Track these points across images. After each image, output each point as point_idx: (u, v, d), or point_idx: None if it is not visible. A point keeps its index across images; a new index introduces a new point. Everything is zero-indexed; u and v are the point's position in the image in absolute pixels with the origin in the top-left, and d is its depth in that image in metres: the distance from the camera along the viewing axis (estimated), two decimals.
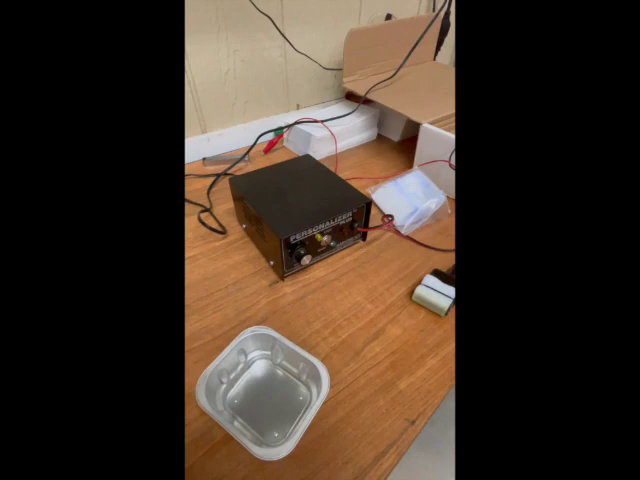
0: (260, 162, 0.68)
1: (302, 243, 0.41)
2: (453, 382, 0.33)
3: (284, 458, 0.27)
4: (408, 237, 0.50)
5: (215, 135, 0.68)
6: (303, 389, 0.33)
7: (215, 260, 0.47)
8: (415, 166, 0.59)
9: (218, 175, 0.62)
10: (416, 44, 0.70)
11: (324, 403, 0.31)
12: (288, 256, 0.41)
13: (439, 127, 0.57)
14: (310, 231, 0.40)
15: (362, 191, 0.47)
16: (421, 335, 0.37)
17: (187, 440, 0.29)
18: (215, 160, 0.67)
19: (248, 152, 0.66)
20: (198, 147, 0.67)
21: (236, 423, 0.29)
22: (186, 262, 0.46)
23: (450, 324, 0.39)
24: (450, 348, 0.36)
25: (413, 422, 0.31)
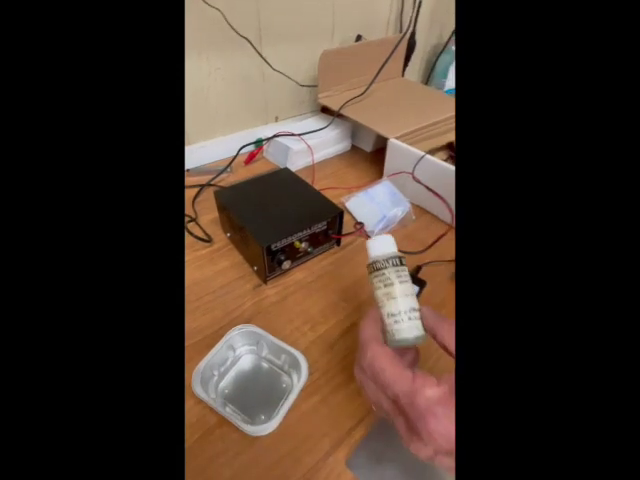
0: (241, 172, 0.72)
1: (282, 250, 0.45)
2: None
3: (270, 434, 0.32)
4: None
5: (198, 147, 0.72)
6: (286, 378, 0.38)
7: (202, 267, 0.51)
8: (384, 177, 0.65)
9: (202, 186, 0.66)
10: (384, 64, 0.76)
11: (304, 388, 0.36)
12: (270, 262, 0.45)
13: (405, 141, 0.64)
14: (289, 239, 0.45)
15: (337, 200, 0.52)
16: None
17: (185, 424, 0.33)
18: (198, 171, 0.70)
19: (230, 163, 0.70)
20: None
21: (227, 409, 0.34)
22: None
23: None
24: None
25: None
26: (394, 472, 0.31)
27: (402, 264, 0.28)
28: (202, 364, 0.35)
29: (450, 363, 0.22)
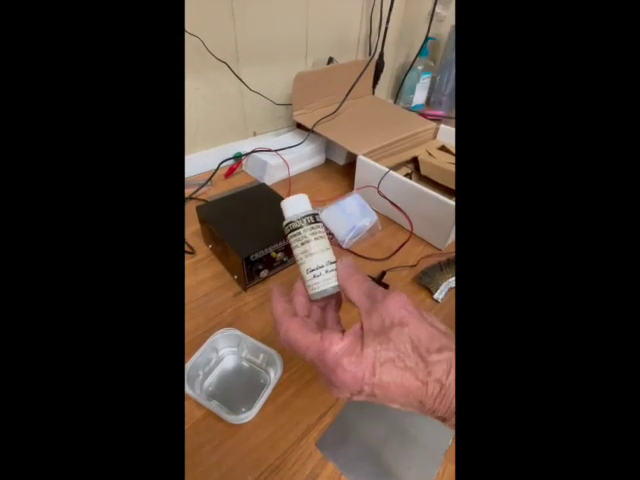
0: (222, 185, 0.77)
1: (260, 260, 0.50)
2: None
3: (249, 422, 0.37)
4: (348, 250, 0.61)
5: None
6: (264, 374, 0.42)
7: (186, 277, 0.55)
8: (354, 190, 0.71)
9: (185, 199, 0.69)
10: (353, 85, 0.83)
11: (280, 383, 0.41)
12: (249, 271, 0.50)
13: (373, 157, 0.70)
14: (267, 250, 0.50)
15: None
16: None
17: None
18: None
19: (211, 177, 0.75)
20: None
21: (212, 403, 0.38)
22: None
23: None
24: None
25: None
26: (356, 449, 0.36)
27: (316, 221, 0.29)
28: (188, 365, 0.39)
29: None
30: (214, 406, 0.37)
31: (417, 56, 1.06)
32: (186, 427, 0.37)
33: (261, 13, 0.72)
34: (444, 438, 0.38)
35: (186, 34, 0.62)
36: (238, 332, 0.43)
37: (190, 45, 0.65)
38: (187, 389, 0.37)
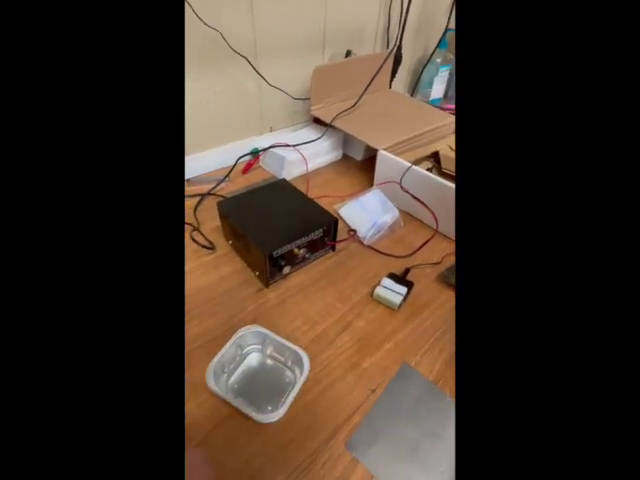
0: (239, 181, 0.76)
1: (282, 256, 0.49)
2: (403, 359, 0.44)
3: (277, 422, 0.36)
4: (370, 246, 0.60)
5: (196, 157, 0.75)
6: (289, 373, 0.42)
7: (207, 273, 0.54)
8: (374, 185, 0.70)
9: (203, 195, 0.69)
10: (372, 79, 0.81)
11: (306, 382, 0.40)
12: (271, 267, 0.49)
13: (393, 151, 0.69)
14: (289, 246, 0.49)
15: (331, 207, 0.57)
16: (380, 326, 0.48)
17: (200, 417, 0.37)
18: (198, 180, 0.74)
19: (229, 173, 0.74)
20: None
21: (238, 400, 0.38)
22: None
23: (402, 316, 0.49)
24: (401, 335, 0.47)
25: (374, 391, 0.40)
26: (388, 450, 0.35)
27: None
28: (214, 361, 0.39)
29: None
30: (241, 404, 0.36)
31: (436, 48, 1.03)
32: (212, 425, 0.37)
33: (280, 6, 0.71)
34: None
35: (206, 27, 0.61)
36: (263, 329, 0.43)
37: (209, 40, 0.64)
38: (213, 385, 0.37)
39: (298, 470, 0.34)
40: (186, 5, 0.58)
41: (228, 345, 0.40)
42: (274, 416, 0.35)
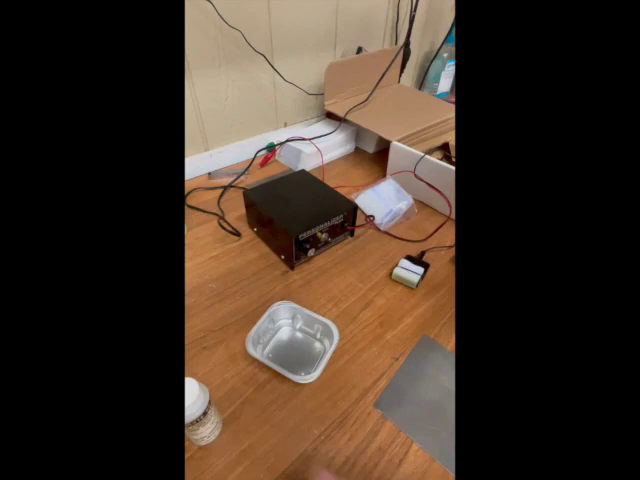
0: (257, 174, 0.80)
1: (307, 240, 0.53)
2: (423, 332, 0.47)
3: (312, 384, 0.40)
4: (386, 232, 0.63)
5: (216, 152, 0.79)
6: (318, 344, 0.45)
7: (235, 258, 0.58)
8: (388, 175, 0.73)
9: (225, 187, 0.73)
10: (384, 74, 0.85)
11: (335, 351, 0.43)
12: (297, 250, 0.53)
13: (405, 143, 0.72)
14: (313, 230, 0.53)
15: (347, 197, 0.60)
16: (399, 303, 0.51)
17: (240, 383, 0.41)
18: (219, 174, 0.78)
19: (249, 166, 0.78)
20: (202, 163, 0.77)
21: (275, 365, 0.41)
22: (212, 260, 0.57)
23: (420, 294, 0.52)
24: (420, 310, 0.50)
25: (397, 359, 0.44)
26: (413, 410, 0.39)
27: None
28: (252, 332, 0.42)
29: None
30: (279, 367, 0.40)
31: (443, 43, 1.06)
32: (252, 389, 0.40)
33: (294, 5, 0.74)
34: None
35: (228, 27, 0.65)
36: (294, 304, 0.46)
37: (229, 39, 0.67)
38: (252, 351, 0.41)
39: (333, 425, 0.38)
40: (210, 7, 0.61)
41: (263, 318, 0.44)
42: (310, 377, 0.39)
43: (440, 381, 0.42)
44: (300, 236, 0.52)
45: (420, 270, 0.53)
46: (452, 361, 0.44)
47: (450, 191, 0.64)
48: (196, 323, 0.47)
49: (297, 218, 0.53)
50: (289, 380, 0.40)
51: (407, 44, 0.97)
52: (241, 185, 0.75)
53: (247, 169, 0.78)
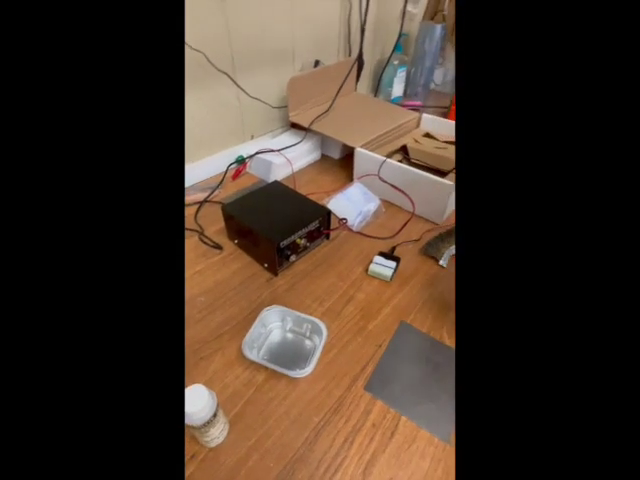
0: (231, 187, 0.82)
1: (288, 246, 0.57)
2: (400, 319, 0.52)
3: (305, 379, 0.44)
4: (359, 232, 0.69)
5: (188, 169, 0.81)
6: (308, 342, 0.49)
7: (219, 270, 0.60)
8: (355, 179, 0.79)
9: (201, 203, 0.75)
10: (342, 84, 0.90)
11: (325, 346, 0.47)
12: (279, 257, 0.57)
13: (367, 148, 0.78)
14: (292, 237, 0.57)
15: (320, 202, 0.65)
16: (377, 295, 0.56)
17: (240, 385, 0.44)
18: (193, 189, 0.79)
19: (222, 181, 0.80)
20: None
21: (271, 364, 0.45)
22: (197, 275, 0.59)
23: (395, 285, 0.58)
24: (396, 300, 0.55)
25: (379, 346, 0.49)
26: (398, 387, 0.44)
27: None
28: (246, 337, 0.46)
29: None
30: (275, 366, 0.43)
31: (393, 52, 1.14)
32: (252, 390, 0.44)
33: (252, 24, 0.78)
34: None
35: (191, 50, 0.67)
36: (283, 308, 0.50)
37: (193, 61, 0.70)
38: (249, 355, 0.44)
39: (330, 411, 0.42)
40: None
41: (255, 324, 0.47)
42: (304, 372, 0.43)
43: (419, 360, 0.47)
44: (281, 244, 0.55)
45: (392, 264, 0.59)
46: (428, 341, 0.49)
47: (411, 190, 0.70)
48: (191, 335, 0.49)
49: (276, 227, 0.57)
50: (285, 377, 0.44)
51: (360, 55, 1.04)
52: (216, 199, 0.77)
53: (221, 183, 0.80)
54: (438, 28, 1.16)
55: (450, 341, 0.49)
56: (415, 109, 1.07)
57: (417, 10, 1.13)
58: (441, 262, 0.61)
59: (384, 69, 1.17)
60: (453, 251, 0.63)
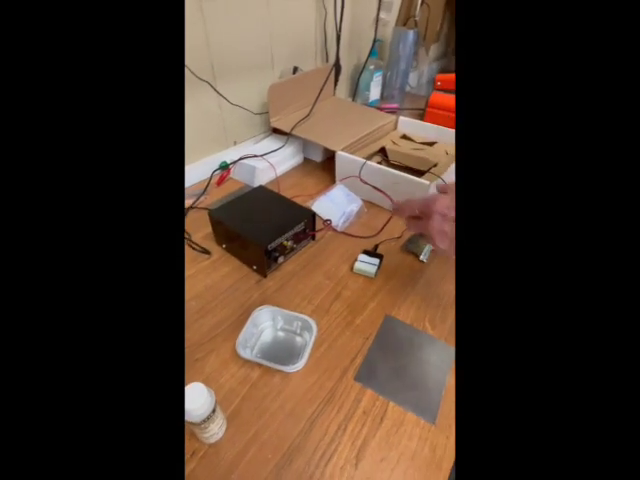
0: (215, 193, 0.83)
1: (275, 249, 0.59)
2: (386, 313, 0.55)
3: (298, 373, 0.46)
4: (343, 232, 0.71)
5: None
6: (299, 339, 0.51)
7: (209, 274, 0.62)
8: (337, 181, 0.82)
9: (187, 209, 0.76)
10: (321, 89, 0.93)
11: (315, 341, 0.50)
12: (267, 259, 0.59)
13: (348, 151, 0.81)
14: (280, 239, 0.59)
15: (305, 205, 0.67)
16: (363, 291, 0.59)
17: (235, 383, 0.46)
18: None
19: (207, 187, 0.81)
20: None
21: (265, 361, 0.46)
22: (187, 280, 0.61)
23: (379, 281, 0.61)
24: (381, 295, 0.58)
25: (367, 338, 0.52)
26: (385, 376, 0.47)
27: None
28: (240, 337, 0.47)
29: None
30: (269, 363, 0.45)
31: (368, 57, 1.18)
32: (248, 387, 0.45)
33: (230, 33, 0.80)
34: (447, 359, 0.49)
35: None
36: (273, 307, 0.52)
37: None
38: (243, 354, 0.46)
39: (323, 402, 0.44)
40: None
41: (247, 325, 0.49)
42: (297, 367, 0.45)
43: (404, 350, 0.50)
44: (269, 246, 0.57)
45: (376, 261, 0.62)
46: (412, 332, 0.52)
47: (391, 190, 0.73)
48: (185, 338, 0.51)
49: (264, 231, 0.59)
50: (279, 373, 0.46)
51: (337, 61, 1.07)
52: (202, 206, 0.79)
53: (206, 189, 0.81)
54: (411, 33, 1.20)
55: (433, 331, 0.53)
56: (392, 111, 1.11)
57: (390, 17, 1.17)
58: (421, 257, 0.65)
59: (361, 74, 1.21)
60: (432, 247, 0.66)
